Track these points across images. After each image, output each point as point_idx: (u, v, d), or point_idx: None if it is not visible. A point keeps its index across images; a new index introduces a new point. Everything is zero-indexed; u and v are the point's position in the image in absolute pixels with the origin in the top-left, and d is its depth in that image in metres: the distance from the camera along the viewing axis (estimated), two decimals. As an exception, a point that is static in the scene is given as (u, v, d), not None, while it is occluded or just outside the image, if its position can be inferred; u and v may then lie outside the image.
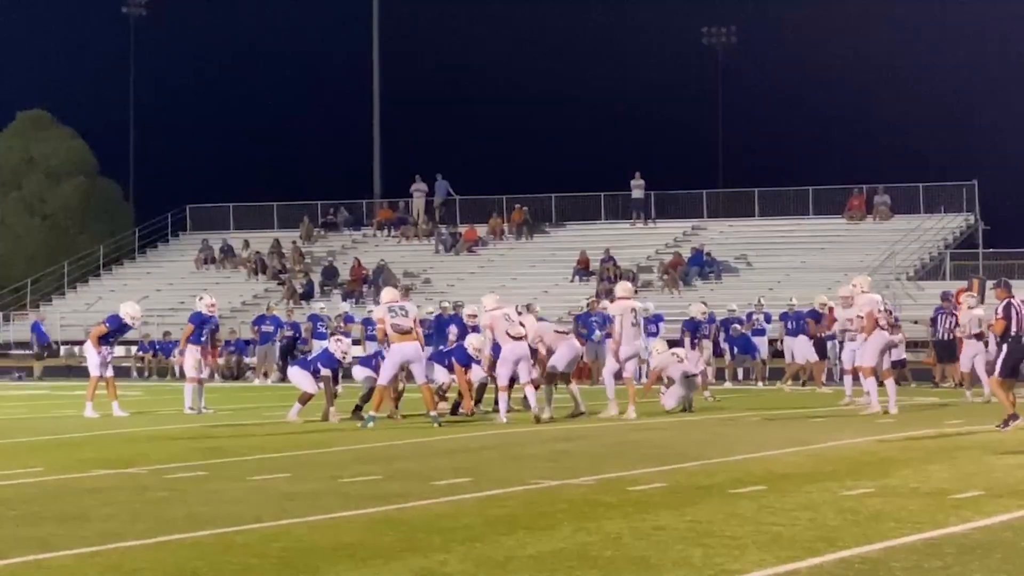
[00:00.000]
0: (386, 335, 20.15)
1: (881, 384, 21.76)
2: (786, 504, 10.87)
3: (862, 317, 22.28)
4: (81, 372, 31.99)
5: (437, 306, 38.53)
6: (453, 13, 78.97)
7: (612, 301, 22.46)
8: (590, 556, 8.64)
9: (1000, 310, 18.49)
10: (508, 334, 20.70)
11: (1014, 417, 17.87)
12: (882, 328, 21.91)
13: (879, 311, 21.87)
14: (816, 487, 11.96)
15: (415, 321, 20.31)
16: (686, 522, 9.97)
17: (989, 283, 28.34)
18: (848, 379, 24.44)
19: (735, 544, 9.00)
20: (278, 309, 41.57)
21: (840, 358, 27.56)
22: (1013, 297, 18.55)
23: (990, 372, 22.98)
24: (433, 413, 20.14)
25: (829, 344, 31.36)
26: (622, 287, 22.69)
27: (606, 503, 11.07)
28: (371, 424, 19.64)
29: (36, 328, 42.90)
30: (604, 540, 9.24)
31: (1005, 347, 18.34)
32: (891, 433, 17.91)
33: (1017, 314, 18.26)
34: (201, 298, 25.00)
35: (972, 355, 26.19)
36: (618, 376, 21.85)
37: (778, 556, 8.56)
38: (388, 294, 21.07)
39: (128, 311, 23.76)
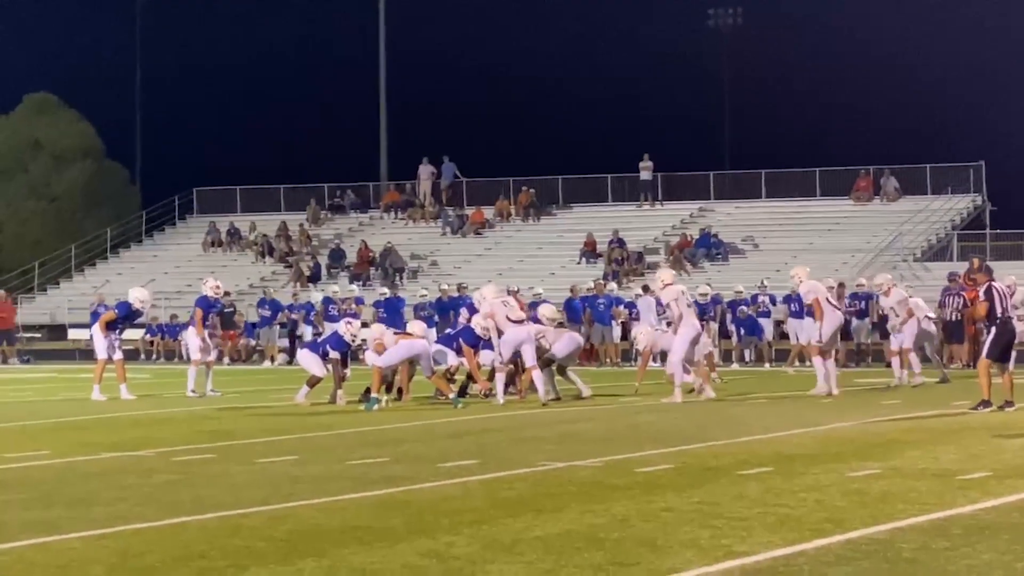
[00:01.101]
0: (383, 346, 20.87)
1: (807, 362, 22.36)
2: (793, 486, 10.87)
3: (897, 307, 23.13)
4: (89, 355, 31.99)
5: (437, 289, 38.52)
6: (460, -4, 78.81)
7: (661, 287, 22.06)
8: (598, 538, 8.65)
9: (982, 293, 18.70)
10: (508, 318, 20.90)
11: (986, 403, 18.00)
12: (836, 308, 22.24)
13: (826, 295, 22.29)
14: (823, 468, 11.96)
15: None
16: (693, 504, 9.97)
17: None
18: (895, 361, 24.54)
19: (742, 526, 9.00)
20: (279, 293, 41.68)
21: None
22: (994, 281, 18.87)
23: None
24: (452, 396, 20.31)
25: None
26: (667, 272, 22.73)
27: (614, 485, 11.07)
28: (375, 407, 19.69)
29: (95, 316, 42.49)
30: (612, 522, 9.25)
31: (993, 329, 18.46)
32: (898, 414, 17.91)
33: (1000, 296, 18.42)
34: (206, 281, 25.07)
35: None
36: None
37: (785, 538, 8.57)
38: (378, 329, 22.29)
39: (137, 296, 23.82)
